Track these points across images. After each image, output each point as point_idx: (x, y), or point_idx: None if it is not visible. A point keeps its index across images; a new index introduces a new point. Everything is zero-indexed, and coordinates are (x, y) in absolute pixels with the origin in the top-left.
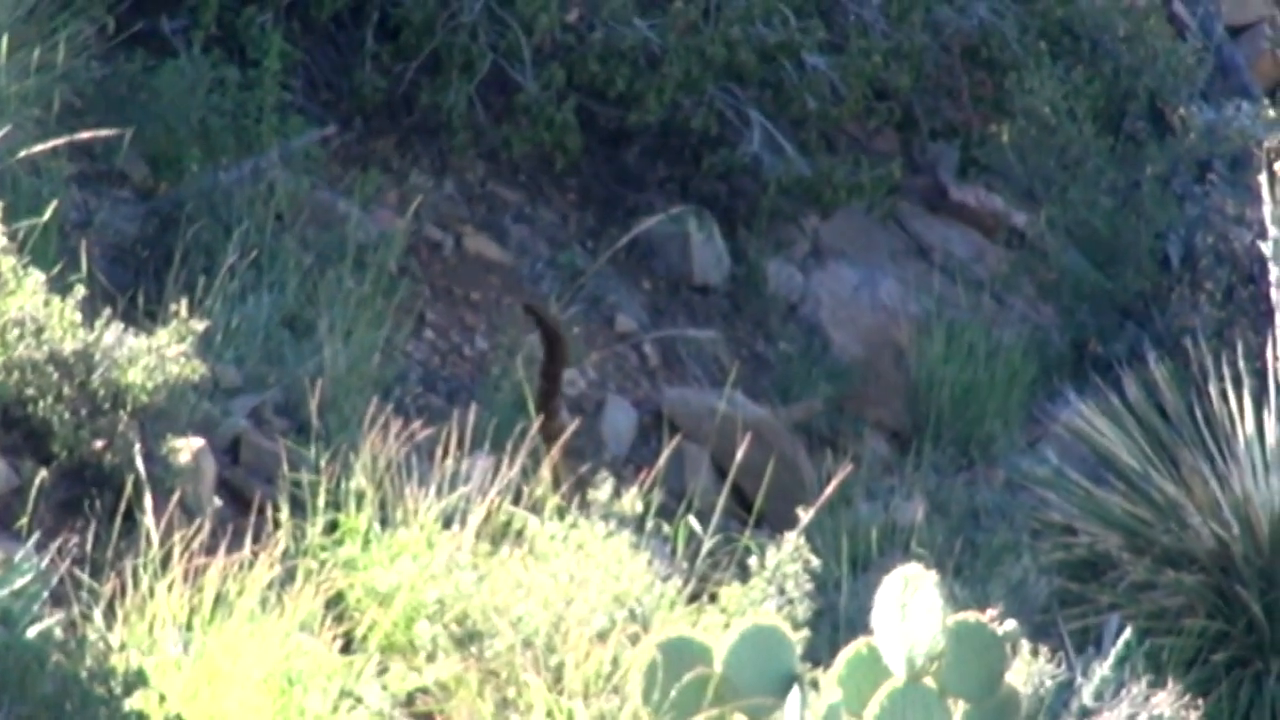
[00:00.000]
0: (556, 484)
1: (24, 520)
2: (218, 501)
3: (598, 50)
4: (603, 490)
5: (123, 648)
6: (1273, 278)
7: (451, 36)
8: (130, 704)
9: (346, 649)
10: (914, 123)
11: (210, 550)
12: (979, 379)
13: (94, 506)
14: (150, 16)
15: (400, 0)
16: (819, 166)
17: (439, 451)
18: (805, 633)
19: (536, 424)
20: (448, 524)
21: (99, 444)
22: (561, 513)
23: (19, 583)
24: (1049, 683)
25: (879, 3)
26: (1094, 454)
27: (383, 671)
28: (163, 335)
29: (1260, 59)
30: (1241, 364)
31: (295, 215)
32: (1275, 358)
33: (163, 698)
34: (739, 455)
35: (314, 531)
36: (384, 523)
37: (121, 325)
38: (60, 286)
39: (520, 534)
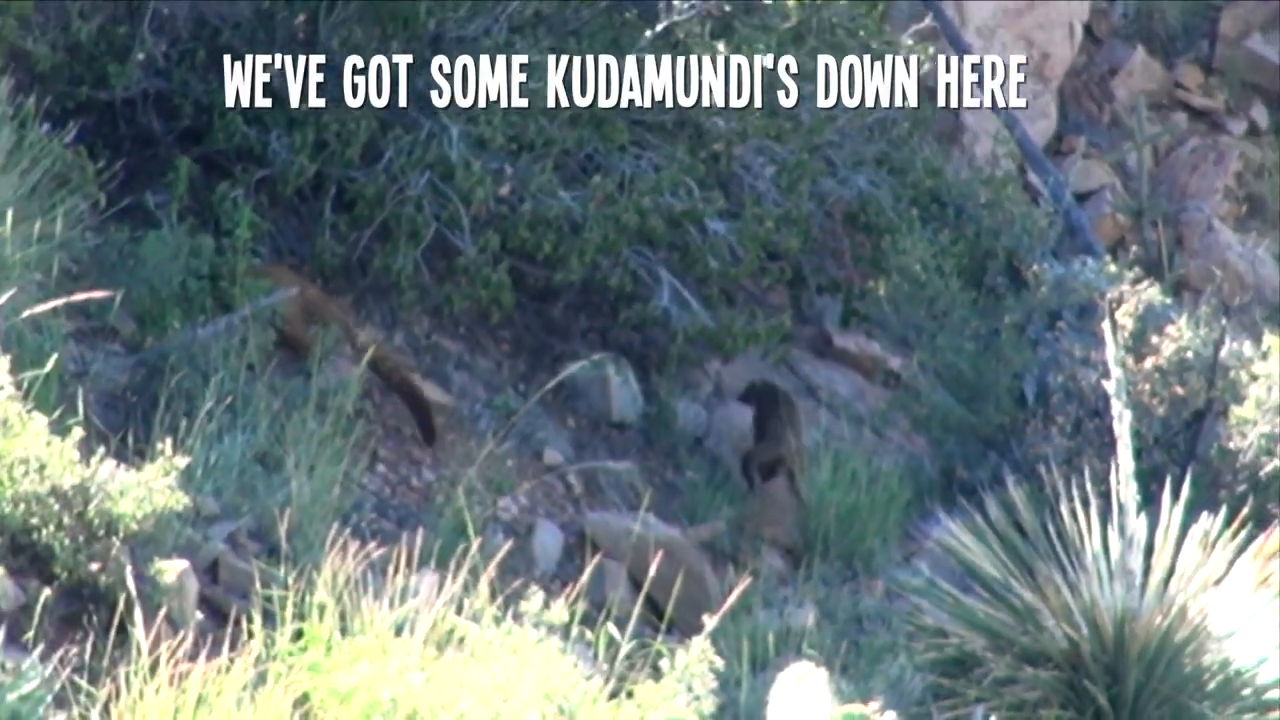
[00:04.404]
0: None
1: (30, 634)
2: (199, 615)
3: (527, 219)
4: (534, 601)
5: None
6: (1115, 412)
7: (399, 208)
8: None
9: None
10: (802, 279)
11: (193, 658)
12: (861, 502)
13: (91, 621)
14: (136, 192)
15: (355, 176)
16: (720, 318)
17: (391, 569)
18: None
19: None
20: (399, 632)
21: (95, 566)
22: (498, 621)
23: (26, 688)
24: None
25: (770, 175)
26: (961, 566)
27: None
28: (150, 470)
29: (1102, 221)
30: (1089, 487)
31: (265, 365)
32: (1119, 482)
33: None
34: (652, 570)
35: (283, 640)
36: (344, 631)
37: (114, 462)
38: (60, 429)
39: (462, 640)
